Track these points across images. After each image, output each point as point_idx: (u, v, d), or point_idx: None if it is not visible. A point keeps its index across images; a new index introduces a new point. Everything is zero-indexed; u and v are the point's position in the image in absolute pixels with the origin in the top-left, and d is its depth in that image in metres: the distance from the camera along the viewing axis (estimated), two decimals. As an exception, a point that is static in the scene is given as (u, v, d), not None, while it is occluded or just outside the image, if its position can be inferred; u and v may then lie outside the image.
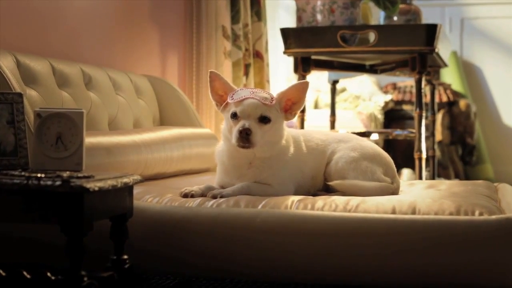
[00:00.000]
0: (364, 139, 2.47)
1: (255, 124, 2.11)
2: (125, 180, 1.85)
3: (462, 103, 6.01)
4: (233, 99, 2.14)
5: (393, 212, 1.98)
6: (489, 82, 6.55)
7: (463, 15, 6.55)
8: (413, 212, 1.98)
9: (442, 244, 1.91)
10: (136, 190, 2.17)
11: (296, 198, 2.10)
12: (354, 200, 2.05)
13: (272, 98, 2.15)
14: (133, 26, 3.55)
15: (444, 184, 2.64)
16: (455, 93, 6.09)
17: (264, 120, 2.12)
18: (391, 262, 1.93)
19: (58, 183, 1.66)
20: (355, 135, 2.51)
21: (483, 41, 6.52)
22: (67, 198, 1.67)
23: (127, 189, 1.91)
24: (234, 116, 2.13)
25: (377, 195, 2.19)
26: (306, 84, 2.17)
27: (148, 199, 2.17)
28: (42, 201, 1.69)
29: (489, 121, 6.51)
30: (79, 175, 1.74)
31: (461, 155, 6.14)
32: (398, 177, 2.42)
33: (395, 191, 2.33)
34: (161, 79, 3.51)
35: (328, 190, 2.33)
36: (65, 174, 1.71)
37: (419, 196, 2.20)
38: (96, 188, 1.68)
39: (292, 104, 2.19)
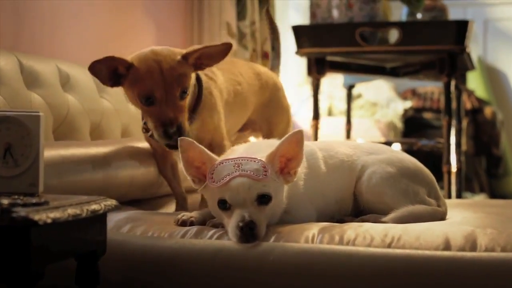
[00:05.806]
0: (400, 151, 2.13)
1: (255, 211, 1.63)
2: (94, 206, 1.42)
3: (487, 111, 5.83)
4: (214, 181, 1.67)
5: (447, 247, 1.60)
6: (515, 89, 6.31)
7: (486, 16, 6.34)
8: (473, 247, 1.59)
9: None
10: (116, 217, 1.84)
11: (318, 227, 1.73)
12: (393, 230, 1.68)
13: (265, 167, 1.66)
14: (124, 19, 3.36)
15: (492, 206, 2.31)
16: (479, 100, 5.85)
17: (263, 200, 1.65)
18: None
19: (-6, 213, 1.22)
20: (388, 147, 2.17)
21: (508, 44, 6.29)
22: (7, 234, 1.25)
23: (98, 219, 1.49)
24: (223, 205, 1.66)
25: (428, 221, 1.84)
26: (300, 134, 1.71)
27: (130, 229, 1.80)
28: (-27, 238, 1.26)
29: (517, 130, 6.25)
30: (29, 201, 1.32)
31: (486, 167, 5.90)
32: (443, 198, 2.06)
33: (443, 216, 1.98)
34: (156, 81, 3.21)
35: (357, 214, 1.96)
36: (6, 201, 1.28)
37: (472, 223, 1.81)
38: (49, 220, 1.25)
39: (287, 160, 1.72)
